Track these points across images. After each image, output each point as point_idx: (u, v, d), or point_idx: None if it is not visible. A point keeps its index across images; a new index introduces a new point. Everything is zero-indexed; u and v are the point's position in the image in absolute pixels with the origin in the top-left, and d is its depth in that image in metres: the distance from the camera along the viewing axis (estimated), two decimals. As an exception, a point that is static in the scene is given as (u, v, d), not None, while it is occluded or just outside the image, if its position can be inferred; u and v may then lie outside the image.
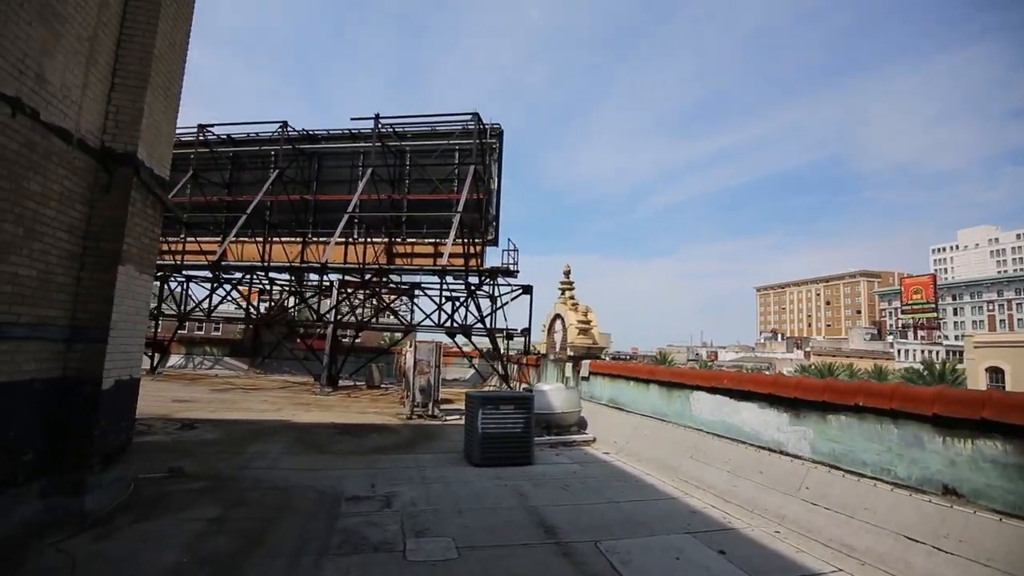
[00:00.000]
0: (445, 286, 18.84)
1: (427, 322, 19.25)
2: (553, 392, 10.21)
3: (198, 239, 21.49)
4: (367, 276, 18.18)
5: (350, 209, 17.91)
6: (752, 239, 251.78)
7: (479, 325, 18.05)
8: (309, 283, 23.22)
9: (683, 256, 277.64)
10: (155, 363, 20.70)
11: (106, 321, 4.85)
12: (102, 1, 4.84)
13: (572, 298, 13.47)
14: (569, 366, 12.52)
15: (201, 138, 21.73)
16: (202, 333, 34.66)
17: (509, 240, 20.06)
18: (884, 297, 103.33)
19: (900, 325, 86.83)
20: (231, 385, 17.78)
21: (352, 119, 19.53)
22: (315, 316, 17.66)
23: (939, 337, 78.54)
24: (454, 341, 20.59)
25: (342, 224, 17.55)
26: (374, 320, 19.68)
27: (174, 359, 24.10)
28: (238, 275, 22.02)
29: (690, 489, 6.49)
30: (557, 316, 13.90)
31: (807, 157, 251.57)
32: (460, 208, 16.71)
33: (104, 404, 4.87)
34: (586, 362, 11.78)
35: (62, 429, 4.63)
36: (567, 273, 14.00)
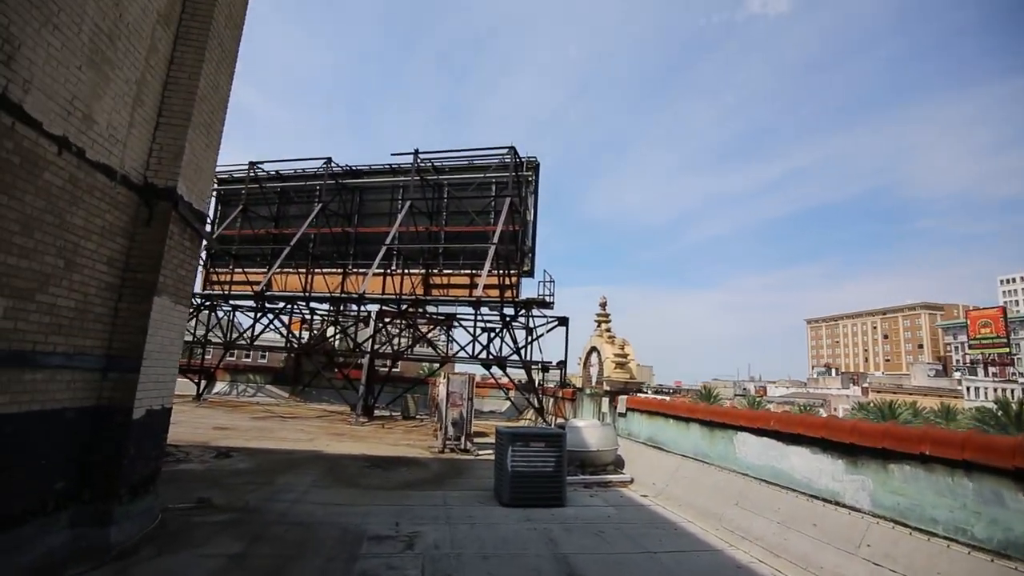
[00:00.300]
0: (480, 317, 18.79)
1: (462, 353, 19.19)
2: (588, 429, 9.82)
3: (245, 270, 22.34)
4: (403, 306, 18.37)
5: (388, 241, 18.27)
6: (801, 269, 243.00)
7: (514, 357, 17.82)
8: (348, 313, 23.72)
9: (729, 287, 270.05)
10: (201, 390, 21.37)
11: (140, 351, 4.94)
12: (151, 46, 5.11)
13: (608, 330, 13.12)
14: (606, 401, 12.09)
15: (251, 174, 22.87)
16: (249, 360, 35.76)
17: (545, 271, 19.97)
18: (948, 330, 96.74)
19: (968, 360, 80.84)
20: (270, 413, 18.08)
21: (392, 155, 20.20)
22: (352, 346, 17.89)
23: (1013, 374, 72.52)
24: (490, 373, 20.41)
25: (380, 255, 17.90)
26: (410, 351, 19.76)
27: (219, 386, 24.86)
28: (281, 304, 22.74)
29: (735, 540, 5.97)
30: (593, 349, 13.54)
31: (857, 187, 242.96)
32: (495, 239, 16.75)
33: (134, 433, 4.91)
34: (623, 397, 11.32)
35: (92, 458, 4.68)
36: (603, 305, 13.69)
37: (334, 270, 22.16)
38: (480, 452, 11.91)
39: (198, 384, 21.30)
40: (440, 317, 20.63)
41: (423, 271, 21.01)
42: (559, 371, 17.92)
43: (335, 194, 22.66)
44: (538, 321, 18.72)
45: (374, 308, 20.41)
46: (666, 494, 8.11)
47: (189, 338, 21.51)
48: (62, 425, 4.39)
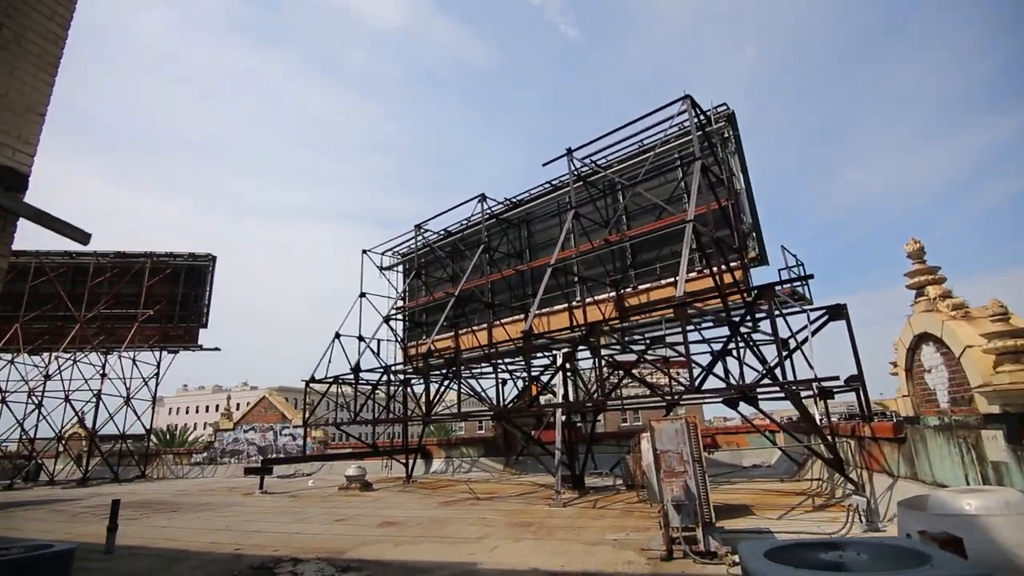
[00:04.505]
0: (697, 328, 13.25)
1: (684, 383, 13.65)
2: (1001, 519, 3.87)
3: (433, 339, 20.99)
4: (591, 340, 14.04)
5: (553, 263, 14.53)
6: None
7: (766, 381, 11.71)
8: (536, 360, 20.33)
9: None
10: (411, 470, 19.95)
11: None
12: None
13: (949, 295, 6.68)
14: (996, 436, 5.64)
15: (419, 239, 22.10)
16: (462, 433, 35.12)
17: (785, 251, 13.61)
18: None
19: None
20: (470, 493, 15.15)
21: (544, 164, 16.84)
22: (528, 401, 14.12)
23: None
24: (736, 411, 14.34)
25: (545, 280, 14.18)
26: (613, 395, 15.03)
27: (436, 463, 23.55)
28: (475, 367, 20.62)
29: None
30: (923, 339, 7.18)
31: None
32: (690, 217, 11.56)
33: None
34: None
35: None
36: (917, 252, 7.32)
37: (515, 317, 19.27)
38: (737, 555, 6.53)
39: (406, 464, 19.95)
40: (641, 342, 15.59)
41: (613, 293, 16.56)
42: (857, 393, 10.99)
43: (500, 234, 20.26)
44: (792, 323, 12.33)
45: (563, 351, 16.55)
46: None
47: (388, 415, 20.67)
48: None
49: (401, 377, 21.14)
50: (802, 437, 13.66)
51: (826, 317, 11.32)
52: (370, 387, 20.61)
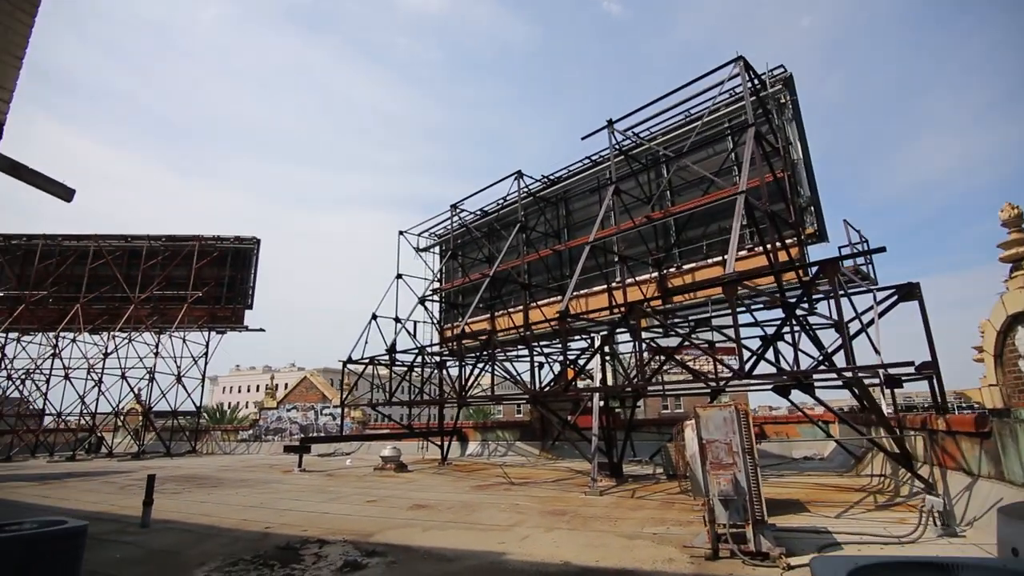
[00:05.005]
0: (747, 308, 12.31)
1: (732, 372, 12.77)
2: None
3: (468, 321, 20.66)
4: (631, 321, 13.30)
5: (591, 240, 13.80)
6: None
7: (823, 368, 10.73)
8: (573, 342, 19.70)
9: None
10: (446, 452, 19.84)
11: None
12: None
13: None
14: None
15: (455, 219, 21.70)
16: (501, 416, 34.93)
17: (848, 225, 12.44)
18: None
19: None
20: (504, 477, 14.83)
21: (583, 138, 15.99)
22: (564, 385, 13.49)
23: None
24: (787, 399, 13.39)
25: (583, 259, 13.48)
26: (654, 380, 14.25)
27: (472, 446, 23.41)
28: (510, 350, 20.21)
29: None
30: (1018, 320, 6.19)
31: None
32: (741, 188, 10.61)
33: None
34: None
35: None
36: (1014, 219, 6.29)
37: (551, 299, 18.67)
38: (796, 559, 5.85)
39: (441, 446, 19.85)
40: (682, 326, 14.69)
41: (655, 273, 15.72)
42: (930, 381, 9.86)
43: (538, 213, 19.61)
44: (857, 304, 11.17)
45: (601, 333, 15.87)
46: None
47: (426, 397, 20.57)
48: None
49: (436, 359, 20.97)
50: (862, 429, 12.59)
51: (895, 297, 10.21)
52: (406, 368, 20.55)
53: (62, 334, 28.86)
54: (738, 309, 10.23)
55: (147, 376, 28.54)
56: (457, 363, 20.05)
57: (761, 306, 13.44)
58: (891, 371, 9.81)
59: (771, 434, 17.22)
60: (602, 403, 13.98)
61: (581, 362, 16.17)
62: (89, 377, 28.28)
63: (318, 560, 6.67)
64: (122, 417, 29.15)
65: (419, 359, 20.26)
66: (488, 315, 21.13)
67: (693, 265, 15.13)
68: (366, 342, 21.04)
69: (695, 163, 14.87)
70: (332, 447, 25.12)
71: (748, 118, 12.11)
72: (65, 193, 3.47)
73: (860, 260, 11.72)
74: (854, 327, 10.72)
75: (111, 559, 6.85)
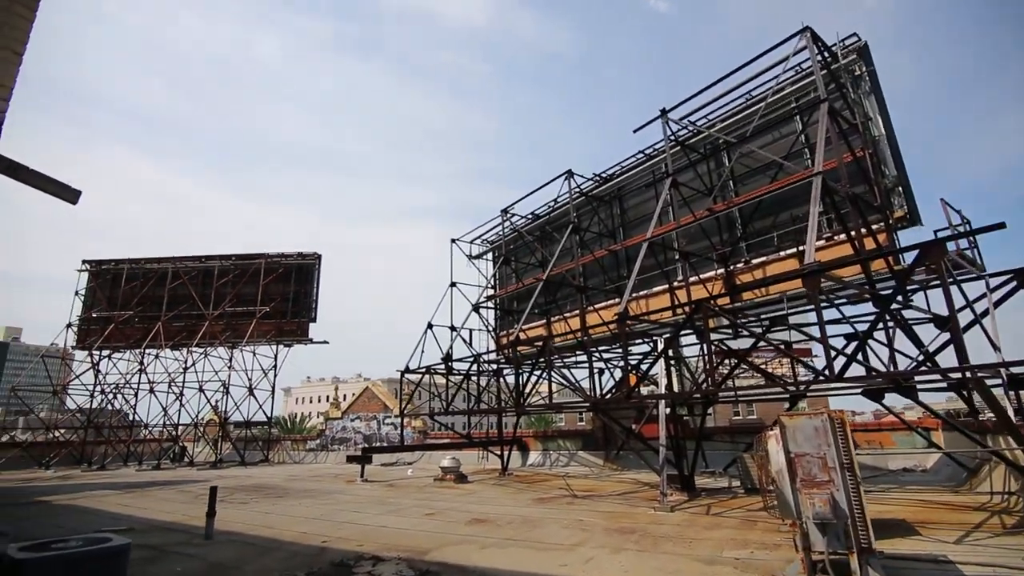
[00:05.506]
0: (831, 302, 11.04)
1: (812, 375, 11.52)
2: None
3: (524, 327, 20.21)
4: (697, 322, 12.35)
5: (648, 237, 12.98)
6: None
7: (926, 368, 9.41)
8: (634, 346, 18.74)
9: None
10: (506, 462, 19.40)
11: None
12: None
13: None
14: None
15: (507, 224, 21.35)
16: (563, 425, 34.09)
17: (946, 205, 10.98)
18: None
19: None
20: (567, 489, 14.19)
21: (635, 130, 15.20)
22: (626, 392, 12.61)
23: None
24: (881, 405, 11.97)
25: (640, 257, 12.67)
26: (725, 385, 13.13)
27: (533, 456, 22.84)
28: (567, 356, 19.57)
29: None
30: None
31: None
32: (817, 168, 9.53)
33: None
34: None
35: None
36: None
37: (609, 301, 17.89)
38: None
39: (501, 456, 19.42)
40: (755, 324, 13.50)
41: (721, 269, 14.65)
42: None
43: (591, 213, 18.92)
44: (957, 297, 9.73)
45: (663, 336, 14.95)
46: None
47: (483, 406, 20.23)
48: None
49: (493, 367, 20.64)
50: (976, 436, 10.99)
51: (1013, 284, 8.78)
52: (462, 376, 20.34)
53: (147, 350, 30.97)
54: (822, 304, 9.13)
55: (222, 389, 30.05)
56: (513, 370, 19.61)
57: (845, 300, 12.11)
58: (1012, 370, 8.41)
59: (862, 443, 15.57)
60: (668, 410, 13.08)
61: (644, 367, 15.29)
62: (171, 390, 30.17)
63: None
64: (201, 428, 30.81)
65: (475, 367, 19.98)
66: (543, 320, 20.59)
67: (763, 259, 13.95)
68: (422, 351, 21.04)
69: (760, 148, 13.74)
70: (395, 456, 25.31)
71: (820, 93, 10.98)
72: (70, 195, 3.35)
73: (963, 243, 10.26)
74: (974, 313, 9.32)
75: (172, 572, 6.85)
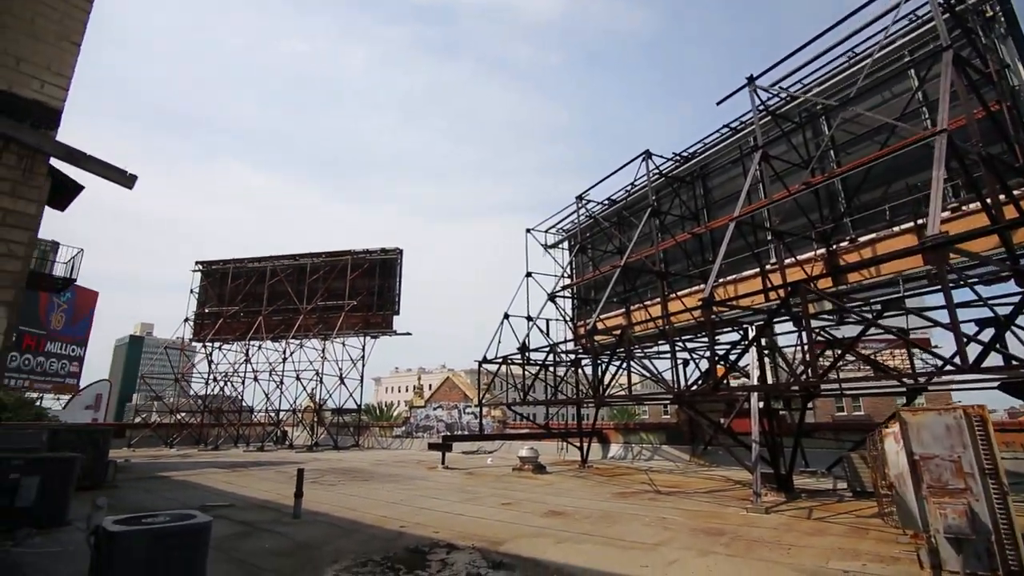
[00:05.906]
0: (962, 282, 9.48)
1: (943, 366, 9.99)
2: None
3: (597, 315, 19.58)
4: (795, 308, 11.18)
5: (736, 215, 11.94)
6: None
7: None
8: (722, 335, 17.41)
9: None
10: (586, 454, 18.95)
11: None
12: None
13: None
14: None
15: (582, 211, 20.74)
16: (647, 418, 32.86)
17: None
18: None
19: None
20: (649, 485, 13.55)
21: (718, 103, 14.03)
22: (714, 384, 11.54)
23: None
24: (1022, 399, 10.26)
25: (727, 237, 11.66)
26: (827, 377, 11.76)
27: (614, 449, 22.22)
28: (648, 346, 18.73)
29: None
30: None
31: None
32: (941, 126, 8.18)
33: None
34: None
35: None
36: None
37: (693, 288, 16.83)
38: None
39: (581, 447, 19.00)
40: (865, 311, 11.97)
41: (821, 250, 13.24)
42: None
43: (671, 195, 17.86)
44: None
45: (755, 324, 13.77)
46: None
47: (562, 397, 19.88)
48: None
49: (571, 357, 20.23)
50: None
51: None
52: (539, 367, 20.13)
53: (251, 342, 33.79)
54: (951, 284, 7.84)
55: (316, 377, 32.11)
56: (591, 361, 19.08)
57: (977, 280, 10.43)
58: None
59: (999, 444, 13.47)
60: (762, 404, 12.02)
61: (733, 357, 14.21)
62: (271, 379, 32.70)
63: (443, 568, 6.28)
64: (299, 413, 33.15)
65: (551, 357, 19.68)
66: (623, 309, 19.83)
67: (872, 236, 12.36)
68: (499, 341, 21.07)
69: (868, 111, 12.15)
70: (475, 445, 25.70)
71: (943, 41, 9.45)
72: (125, 180, 3.46)
73: None
74: None
75: (261, 549, 7.20)
